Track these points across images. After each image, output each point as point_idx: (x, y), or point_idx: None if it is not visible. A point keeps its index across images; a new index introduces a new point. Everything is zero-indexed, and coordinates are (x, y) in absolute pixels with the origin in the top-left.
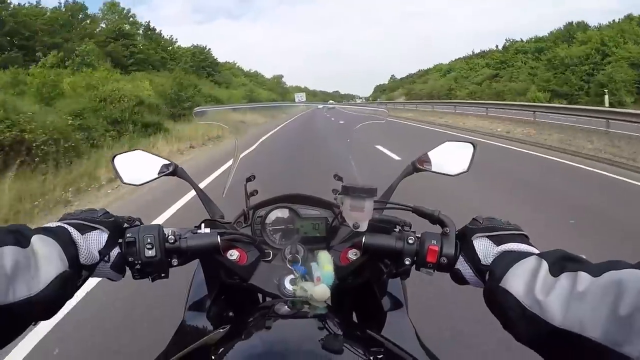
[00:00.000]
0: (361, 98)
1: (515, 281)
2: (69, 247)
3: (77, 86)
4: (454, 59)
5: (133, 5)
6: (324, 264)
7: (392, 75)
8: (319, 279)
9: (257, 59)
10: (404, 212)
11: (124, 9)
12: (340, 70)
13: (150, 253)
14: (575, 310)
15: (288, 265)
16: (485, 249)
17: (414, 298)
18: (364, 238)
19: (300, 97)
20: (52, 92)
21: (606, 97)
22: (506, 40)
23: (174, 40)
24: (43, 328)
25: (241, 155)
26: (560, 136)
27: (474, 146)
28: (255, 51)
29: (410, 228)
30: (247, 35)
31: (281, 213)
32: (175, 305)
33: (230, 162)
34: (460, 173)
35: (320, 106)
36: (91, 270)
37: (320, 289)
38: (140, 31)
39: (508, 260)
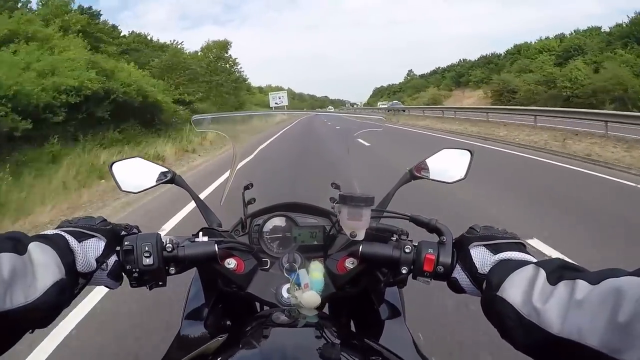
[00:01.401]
0: (355, 103)
1: (513, 290)
2: (66, 255)
3: None
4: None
5: (117, 11)
6: (313, 272)
7: (410, 71)
8: (307, 285)
9: (243, 65)
10: (401, 221)
11: None
12: (328, 76)
13: (148, 261)
14: (573, 318)
15: (285, 274)
16: (482, 257)
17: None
18: (361, 247)
19: (278, 99)
20: None
21: None
22: None
23: None
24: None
25: None
26: None
27: (471, 153)
28: (240, 57)
29: (407, 237)
30: (233, 41)
31: (279, 221)
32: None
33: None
34: (458, 180)
35: (320, 113)
36: (88, 278)
37: (308, 296)
38: None
39: (505, 268)
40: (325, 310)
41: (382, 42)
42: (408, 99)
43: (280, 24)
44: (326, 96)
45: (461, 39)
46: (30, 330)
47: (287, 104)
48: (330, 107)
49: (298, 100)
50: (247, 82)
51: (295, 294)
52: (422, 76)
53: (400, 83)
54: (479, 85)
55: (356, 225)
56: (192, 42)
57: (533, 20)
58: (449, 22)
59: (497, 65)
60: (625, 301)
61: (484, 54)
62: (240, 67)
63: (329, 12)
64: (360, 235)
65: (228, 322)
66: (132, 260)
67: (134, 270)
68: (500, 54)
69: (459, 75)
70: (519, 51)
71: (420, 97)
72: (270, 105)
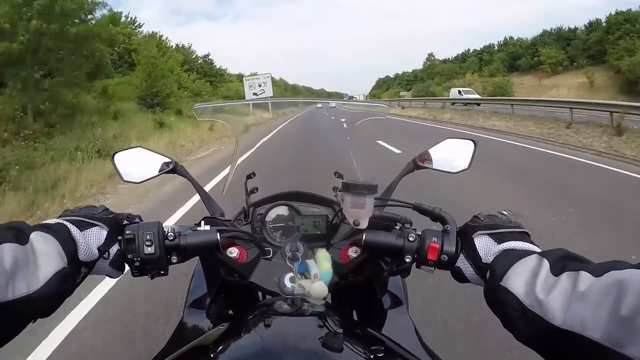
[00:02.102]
0: (353, 97)
1: (516, 280)
2: (68, 244)
3: None
4: None
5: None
6: (322, 262)
7: (431, 55)
8: (317, 276)
9: (237, 58)
10: (405, 210)
11: None
12: (324, 70)
13: (150, 250)
14: (576, 310)
15: (288, 263)
16: (486, 246)
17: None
18: (364, 235)
19: (258, 88)
20: None
21: None
22: None
23: None
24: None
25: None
26: None
27: (474, 143)
28: (235, 51)
29: (411, 225)
30: (227, 35)
31: (281, 210)
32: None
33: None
34: (462, 171)
35: (319, 105)
36: (90, 267)
37: (318, 286)
38: None
39: (509, 258)
40: (328, 299)
41: (382, 34)
42: (438, 88)
43: (274, 18)
44: (323, 89)
45: (458, 31)
46: (33, 320)
47: (271, 94)
48: (332, 101)
49: (291, 93)
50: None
51: (303, 284)
52: (445, 61)
53: (414, 71)
54: (557, 69)
55: (359, 213)
56: (186, 37)
57: (528, 13)
58: (448, 13)
59: (581, 41)
60: (628, 294)
61: (548, 29)
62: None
63: (324, 6)
64: (364, 224)
65: (230, 312)
66: (134, 249)
67: (135, 259)
68: (576, 28)
69: (513, 58)
70: (626, 20)
71: (454, 85)
72: (247, 98)
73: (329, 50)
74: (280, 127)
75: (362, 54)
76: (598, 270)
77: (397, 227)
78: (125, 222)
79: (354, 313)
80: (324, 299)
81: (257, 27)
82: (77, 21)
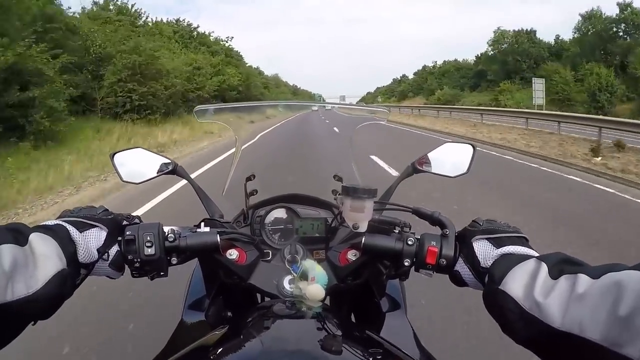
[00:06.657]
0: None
1: (515, 283)
2: (68, 245)
3: None
4: None
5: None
6: (316, 266)
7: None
8: (314, 279)
9: None
10: (404, 213)
11: None
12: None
13: (150, 251)
14: (574, 311)
15: (287, 265)
16: (484, 251)
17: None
18: (363, 239)
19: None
20: None
21: None
22: None
23: None
24: None
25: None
26: None
27: (473, 147)
28: None
29: (410, 229)
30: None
31: (280, 213)
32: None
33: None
34: (460, 175)
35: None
36: (90, 268)
37: (314, 289)
38: None
39: (508, 262)
40: (326, 302)
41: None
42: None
43: (236, 23)
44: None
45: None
46: (33, 322)
47: None
48: (328, 106)
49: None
50: None
51: (300, 286)
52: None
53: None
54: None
55: (359, 217)
56: None
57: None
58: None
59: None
60: (625, 295)
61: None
62: None
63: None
64: (363, 227)
65: (229, 313)
66: (134, 250)
67: (135, 260)
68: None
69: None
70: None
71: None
72: None
73: (286, 54)
74: None
75: (331, 58)
76: (596, 273)
77: (396, 231)
78: (124, 222)
79: (352, 316)
80: (322, 301)
81: (220, 24)
82: None
